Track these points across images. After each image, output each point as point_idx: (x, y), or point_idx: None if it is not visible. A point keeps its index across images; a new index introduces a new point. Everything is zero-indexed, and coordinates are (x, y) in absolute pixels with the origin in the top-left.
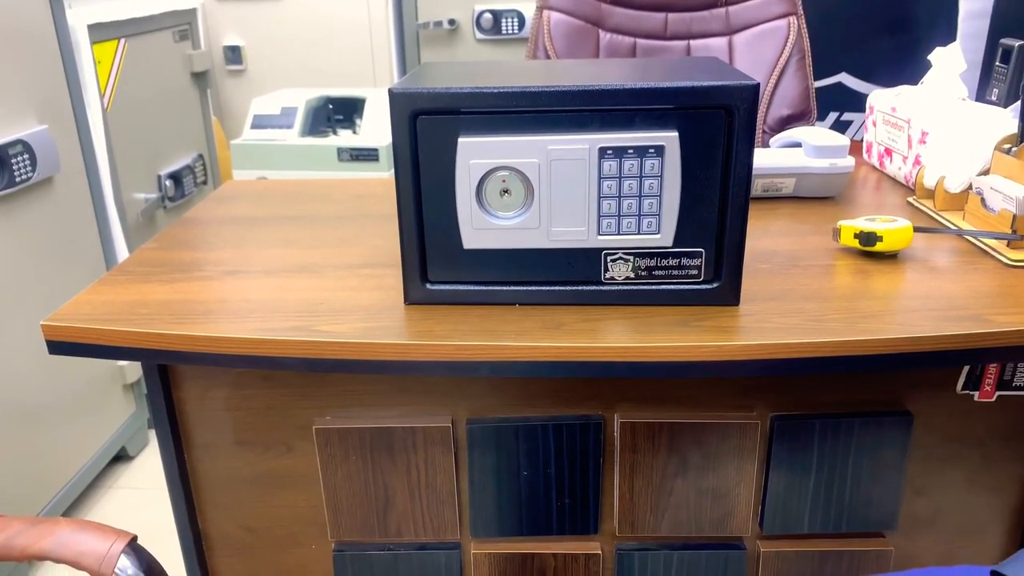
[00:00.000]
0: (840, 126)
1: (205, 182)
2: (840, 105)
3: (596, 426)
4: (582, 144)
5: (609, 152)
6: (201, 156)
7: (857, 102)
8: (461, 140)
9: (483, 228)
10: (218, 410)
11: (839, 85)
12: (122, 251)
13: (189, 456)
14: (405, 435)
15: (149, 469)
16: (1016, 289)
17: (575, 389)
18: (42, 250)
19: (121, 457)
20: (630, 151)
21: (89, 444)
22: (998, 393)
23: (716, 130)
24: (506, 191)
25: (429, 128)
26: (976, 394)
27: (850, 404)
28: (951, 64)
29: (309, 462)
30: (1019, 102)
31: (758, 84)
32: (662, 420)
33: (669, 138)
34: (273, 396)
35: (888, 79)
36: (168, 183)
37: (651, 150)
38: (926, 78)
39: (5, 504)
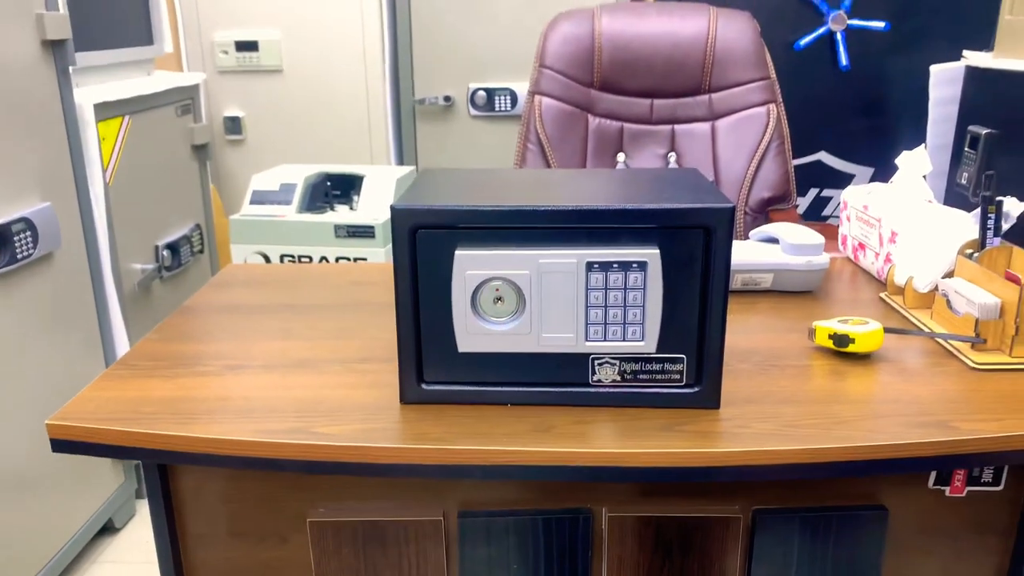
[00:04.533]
0: (819, 202)
1: (202, 251)
2: (819, 182)
3: (585, 520)
4: (571, 258)
5: (596, 266)
6: (199, 226)
7: (835, 179)
8: (458, 252)
9: (477, 333)
10: (214, 502)
11: (818, 163)
12: (118, 324)
13: (184, 546)
14: (397, 528)
15: (135, 542)
16: (980, 394)
17: (564, 483)
18: (39, 324)
19: (107, 529)
20: (615, 265)
21: (77, 516)
22: (968, 489)
23: (695, 247)
24: (499, 299)
25: (428, 240)
26: (947, 490)
27: (828, 498)
28: (917, 167)
29: (302, 554)
30: (979, 209)
31: (734, 207)
32: (649, 514)
33: (651, 254)
34: (268, 488)
35: (864, 158)
36: (165, 253)
37: (635, 265)
38: (895, 178)
39: None
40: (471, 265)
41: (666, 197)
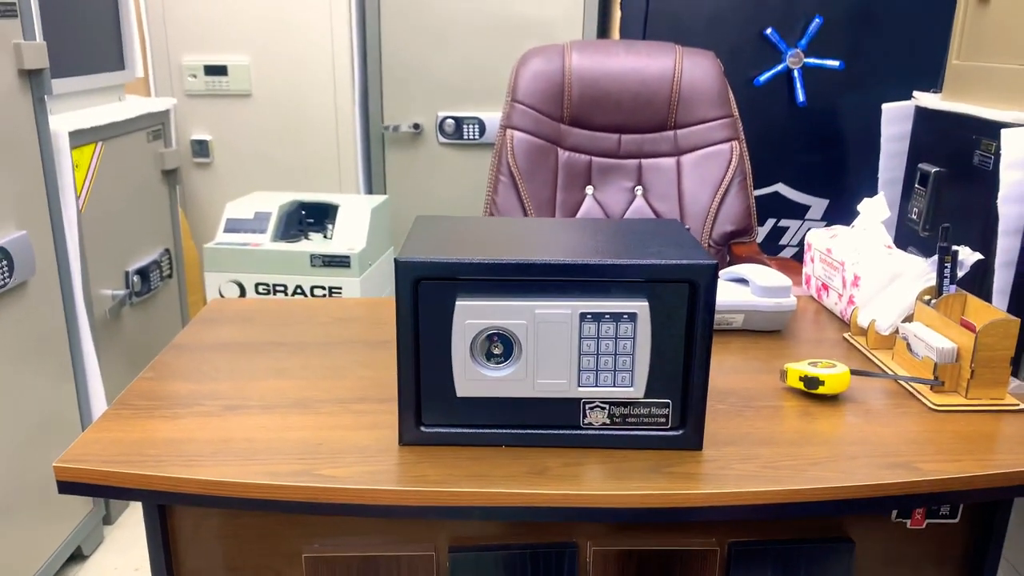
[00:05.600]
0: (776, 232)
1: (171, 276)
2: (777, 212)
3: (571, 554)
4: (565, 309)
5: (588, 316)
6: (168, 251)
7: (792, 210)
8: (459, 303)
9: (475, 379)
10: (210, 538)
11: (776, 194)
12: (89, 351)
13: None
14: (390, 563)
15: (105, 569)
16: (939, 434)
17: None
18: (11, 352)
19: (76, 556)
20: (607, 316)
21: (46, 544)
22: (927, 521)
23: (681, 299)
24: (497, 346)
25: (430, 291)
26: (908, 523)
27: (799, 531)
28: (876, 213)
29: None
30: (936, 257)
31: (716, 263)
32: (631, 548)
33: (640, 306)
34: (264, 525)
35: (819, 190)
36: (135, 279)
37: (625, 316)
38: (856, 222)
39: None
40: (471, 315)
41: (654, 253)
